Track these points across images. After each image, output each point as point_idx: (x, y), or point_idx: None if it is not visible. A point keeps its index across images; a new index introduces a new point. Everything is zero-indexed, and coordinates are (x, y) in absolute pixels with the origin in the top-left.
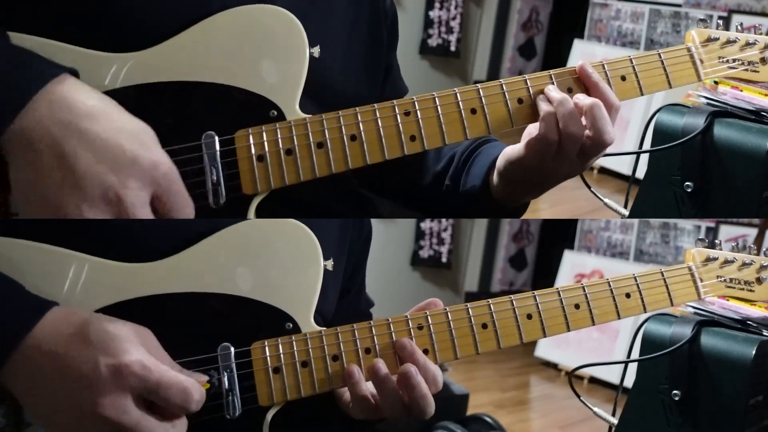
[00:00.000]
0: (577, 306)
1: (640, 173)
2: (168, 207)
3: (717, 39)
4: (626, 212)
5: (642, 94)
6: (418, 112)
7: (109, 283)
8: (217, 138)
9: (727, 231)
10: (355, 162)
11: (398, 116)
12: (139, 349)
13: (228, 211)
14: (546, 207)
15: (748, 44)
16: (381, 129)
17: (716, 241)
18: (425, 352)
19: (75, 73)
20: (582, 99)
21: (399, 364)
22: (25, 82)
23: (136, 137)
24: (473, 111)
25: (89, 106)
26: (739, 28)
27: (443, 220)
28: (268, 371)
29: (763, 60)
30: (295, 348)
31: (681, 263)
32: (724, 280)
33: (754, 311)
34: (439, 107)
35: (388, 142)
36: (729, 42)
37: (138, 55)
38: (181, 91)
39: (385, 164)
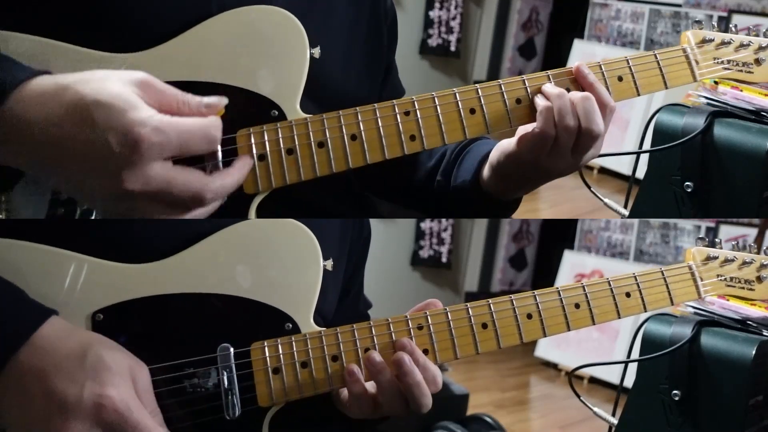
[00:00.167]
0: (577, 305)
1: (640, 173)
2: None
3: (712, 40)
4: (626, 212)
5: (639, 95)
6: (418, 111)
7: (109, 284)
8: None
9: (727, 231)
10: (355, 161)
11: (398, 116)
12: (128, 387)
13: (229, 210)
14: (546, 207)
15: (742, 45)
16: (381, 128)
17: (716, 240)
18: (425, 352)
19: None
20: (574, 94)
21: None
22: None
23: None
24: (472, 111)
25: (70, 77)
26: (733, 29)
27: (443, 220)
28: (267, 371)
29: (757, 61)
30: (294, 348)
31: (681, 263)
32: (725, 279)
33: (754, 311)
34: (438, 107)
35: (388, 141)
36: (724, 43)
37: (138, 55)
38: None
39: (378, 161)
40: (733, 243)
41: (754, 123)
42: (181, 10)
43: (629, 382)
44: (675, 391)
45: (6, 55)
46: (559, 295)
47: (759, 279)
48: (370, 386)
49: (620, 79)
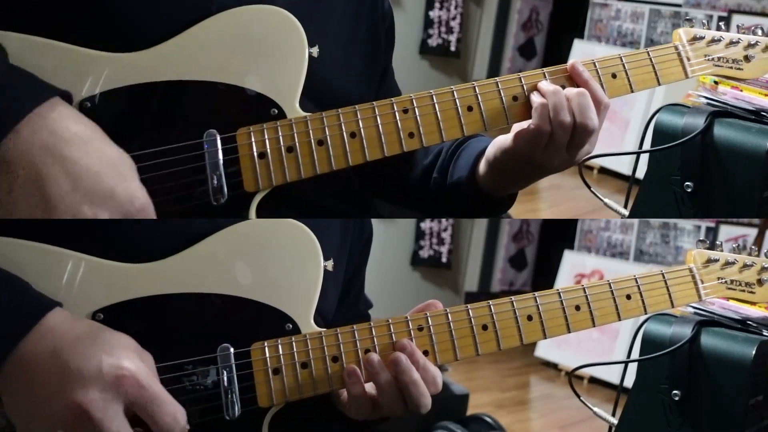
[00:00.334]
0: (577, 307)
1: (640, 173)
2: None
3: (703, 38)
4: (626, 212)
5: (632, 91)
6: (416, 109)
7: (109, 284)
8: (218, 136)
9: (727, 231)
10: (355, 159)
11: (397, 114)
12: (140, 363)
13: (229, 208)
14: (546, 207)
15: (732, 43)
16: (380, 126)
17: (717, 242)
18: (425, 353)
19: (67, 97)
20: (569, 91)
21: None
22: (16, 104)
23: (116, 167)
24: (470, 108)
25: (73, 133)
26: (722, 27)
27: (443, 220)
28: (267, 372)
29: (746, 58)
30: (294, 349)
31: (681, 263)
32: (725, 282)
33: (754, 311)
34: (436, 105)
35: (387, 139)
36: (714, 41)
37: (139, 54)
38: (182, 90)
39: (377, 159)
40: (734, 245)
41: (754, 123)
42: (180, 10)
43: (629, 382)
44: (675, 391)
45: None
46: (560, 296)
47: (760, 282)
48: (370, 387)
49: (614, 76)
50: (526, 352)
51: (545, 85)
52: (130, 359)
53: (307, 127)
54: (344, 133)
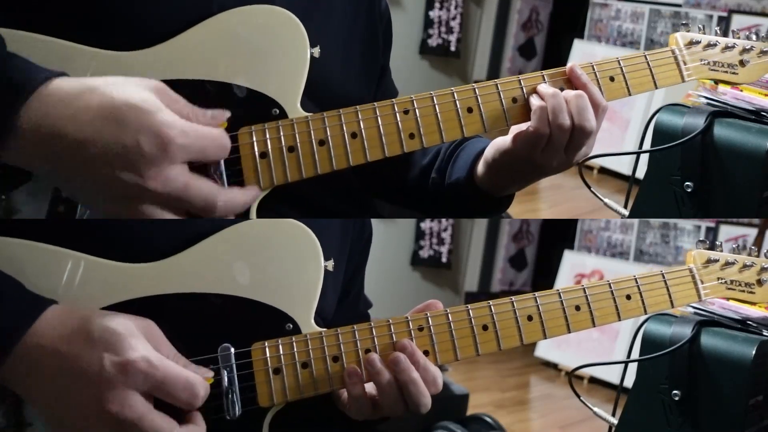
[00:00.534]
0: (577, 307)
1: (640, 173)
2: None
3: (699, 42)
4: (626, 212)
5: (630, 94)
6: (417, 110)
7: (109, 284)
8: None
9: (727, 231)
10: (356, 159)
11: (397, 114)
12: (144, 345)
13: None
14: (546, 207)
15: (727, 47)
16: (381, 127)
17: (717, 242)
18: (425, 353)
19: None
20: (568, 93)
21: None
22: (19, 84)
23: (144, 101)
24: (470, 110)
25: (88, 83)
26: (718, 31)
27: (443, 220)
28: (268, 372)
29: (741, 62)
30: (295, 349)
31: (681, 263)
32: (725, 282)
33: (754, 311)
34: (436, 106)
35: (387, 139)
36: (710, 45)
37: (140, 54)
38: (183, 90)
39: (378, 159)
40: (734, 245)
41: (754, 123)
42: (182, 10)
43: (629, 382)
44: (675, 391)
45: (21, 57)
46: (560, 297)
47: (759, 282)
48: (370, 387)
49: (612, 79)
50: (526, 352)
51: (544, 88)
52: (130, 348)
53: (308, 127)
54: (345, 134)
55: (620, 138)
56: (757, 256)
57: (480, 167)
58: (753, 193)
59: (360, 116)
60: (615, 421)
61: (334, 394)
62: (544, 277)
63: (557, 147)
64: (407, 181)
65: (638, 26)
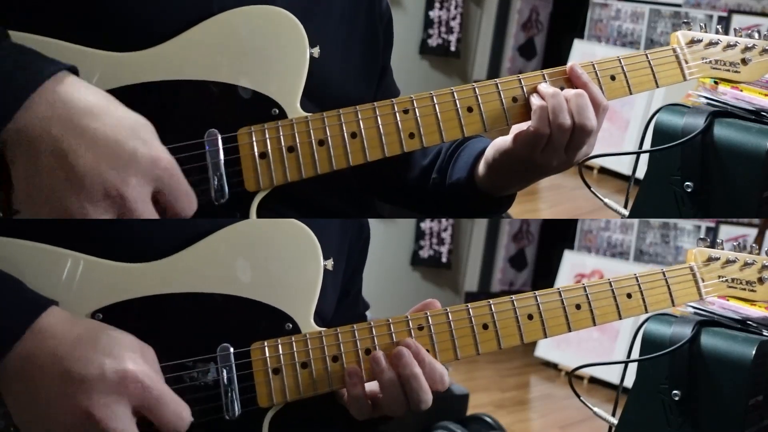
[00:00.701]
0: (578, 306)
1: (640, 173)
2: (170, 201)
3: (700, 40)
4: (626, 212)
5: (631, 93)
6: (417, 110)
7: (109, 283)
8: (219, 135)
9: (727, 231)
10: (355, 159)
11: (397, 114)
12: (144, 362)
13: (230, 208)
14: (546, 207)
15: (729, 46)
16: (381, 127)
17: (718, 240)
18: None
19: (74, 71)
20: (568, 92)
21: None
22: (24, 80)
23: (136, 133)
24: (470, 109)
25: (88, 103)
26: (720, 30)
27: (443, 220)
28: (267, 372)
29: (743, 61)
30: (294, 349)
31: (681, 263)
32: (726, 280)
33: (754, 311)
34: (436, 105)
35: (387, 139)
36: (711, 43)
37: (140, 54)
38: (183, 90)
39: (378, 159)
40: (734, 243)
41: (754, 123)
42: (181, 10)
43: (629, 382)
44: (675, 391)
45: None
46: (560, 295)
47: (761, 280)
48: (370, 386)
49: (613, 78)
50: (526, 352)
51: (545, 87)
52: (132, 360)
53: (308, 127)
54: (345, 134)
55: (620, 138)
56: (758, 254)
57: (480, 167)
58: (753, 193)
59: (359, 116)
60: (615, 421)
61: (337, 393)
62: (544, 277)
63: (558, 147)
64: (408, 182)
65: (638, 26)
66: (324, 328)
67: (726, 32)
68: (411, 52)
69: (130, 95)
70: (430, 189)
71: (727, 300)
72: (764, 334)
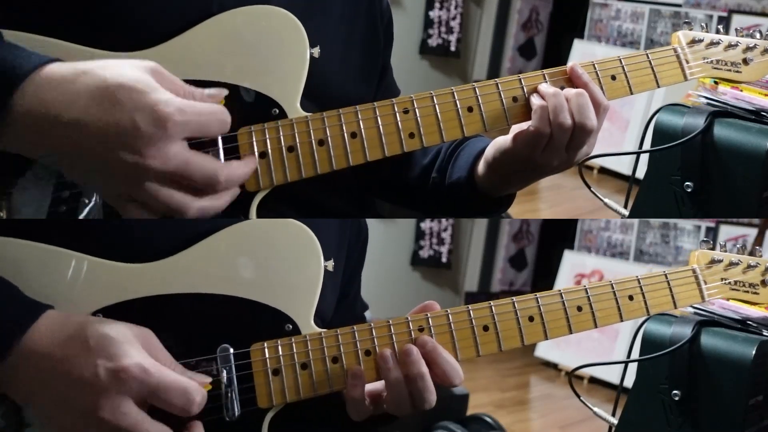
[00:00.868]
0: (579, 308)
1: (640, 173)
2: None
3: (702, 40)
4: (626, 212)
5: (631, 93)
6: (417, 110)
7: (109, 284)
8: (219, 135)
9: (727, 231)
10: (355, 159)
11: (397, 114)
12: (139, 351)
13: (230, 206)
14: (546, 207)
15: (730, 46)
16: (381, 127)
17: (721, 243)
18: None
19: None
20: (568, 91)
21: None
22: (19, 62)
23: (139, 81)
24: (470, 109)
25: (82, 66)
26: (721, 30)
27: (443, 220)
28: (267, 373)
29: (745, 61)
30: (294, 350)
31: (681, 263)
32: (729, 283)
33: (755, 311)
34: (436, 105)
35: (387, 139)
36: (713, 43)
37: (139, 54)
38: None
39: (378, 159)
40: (736, 245)
41: (754, 123)
42: (181, 10)
43: (629, 382)
44: (675, 391)
45: (16, 44)
46: (561, 297)
47: (764, 283)
48: (370, 387)
49: (613, 78)
50: (526, 352)
51: (545, 87)
52: (126, 355)
53: (308, 127)
54: (345, 133)
55: (620, 138)
56: (761, 256)
57: (480, 167)
58: (753, 193)
59: (359, 116)
60: (615, 421)
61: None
62: (544, 277)
63: (558, 146)
64: (408, 181)
65: (638, 26)
66: (324, 329)
67: (726, 32)
68: (411, 52)
69: None
70: (430, 188)
71: (728, 300)
72: (764, 334)
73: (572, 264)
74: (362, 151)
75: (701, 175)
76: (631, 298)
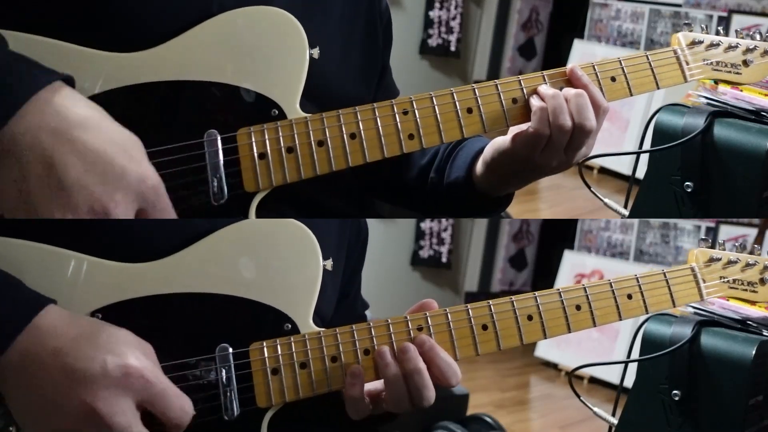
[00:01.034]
0: (578, 307)
1: (640, 173)
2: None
3: (701, 42)
4: (626, 212)
5: (631, 95)
6: (416, 111)
7: (108, 283)
8: (219, 136)
9: (727, 231)
10: (354, 160)
11: (397, 115)
12: (146, 358)
13: (229, 208)
14: (546, 207)
15: (730, 47)
16: (380, 128)
17: (719, 241)
18: None
19: (70, 81)
20: (568, 91)
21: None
22: (18, 88)
23: (126, 149)
24: (469, 110)
25: (81, 116)
26: (721, 31)
27: (443, 220)
28: (266, 372)
29: (744, 62)
30: (293, 349)
31: (681, 263)
32: (727, 281)
33: (754, 311)
34: (436, 107)
35: (387, 140)
36: (713, 45)
37: (139, 55)
38: (182, 91)
39: (377, 160)
40: (735, 244)
41: (754, 123)
42: (181, 11)
43: (629, 382)
44: (675, 391)
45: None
46: (560, 296)
47: (762, 281)
48: (369, 386)
49: (613, 79)
50: (526, 352)
51: (545, 88)
52: (134, 356)
53: (307, 127)
54: (344, 134)
55: (620, 138)
56: (759, 254)
57: (479, 167)
58: (753, 193)
59: (359, 117)
60: (615, 421)
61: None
62: (544, 277)
63: (557, 147)
64: (406, 181)
65: (638, 26)
66: (323, 329)
67: (726, 32)
68: (411, 52)
69: (130, 95)
70: (428, 189)
71: (728, 300)
72: (764, 334)
73: (572, 264)
74: (361, 152)
75: (701, 175)
76: (629, 296)
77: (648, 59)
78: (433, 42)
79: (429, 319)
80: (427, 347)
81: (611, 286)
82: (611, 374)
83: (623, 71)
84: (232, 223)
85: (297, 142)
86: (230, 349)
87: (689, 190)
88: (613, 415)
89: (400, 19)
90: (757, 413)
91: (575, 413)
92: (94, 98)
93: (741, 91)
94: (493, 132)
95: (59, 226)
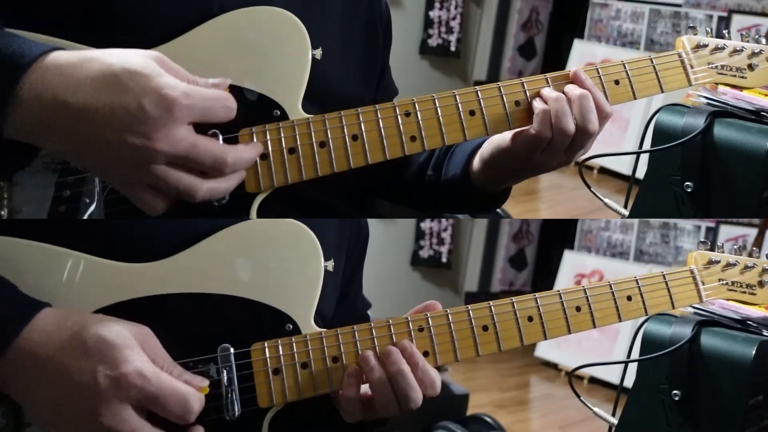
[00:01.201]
0: (578, 308)
1: (640, 173)
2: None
3: (706, 45)
4: (626, 212)
5: (635, 98)
6: (419, 113)
7: (109, 283)
8: (220, 136)
9: (727, 231)
10: (356, 161)
11: (399, 117)
12: (138, 355)
13: (230, 208)
14: (546, 207)
15: (735, 51)
16: (382, 129)
17: (718, 243)
18: (425, 354)
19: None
20: (572, 90)
21: None
22: (24, 51)
23: (139, 72)
24: (472, 113)
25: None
26: (726, 34)
27: (443, 220)
28: (267, 372)
29: (750, 66)
30: (295, 349)
31: (681, 263)
32: (726, 283)
33: (754, 311)
34: (438, 108)
35: (389, 141)
36: (718, 48)
37: None
38: None
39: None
40: (735, 245)
41: (754, 123)
42: (182, 11)
43: (629, 382)
44: (675, 391)
45: (16, 33)
46: (560, 297)
47: (761, 284)
48: (364, 389)
49: (617, 82)
50: (526, 352)
51: (548, 91)
52: (125, 360)
53: (309, 128)
54: (346, 136)
55: (620, 138)
56: (758, 257)
57: (476, 163)
58: (753, 193)
59: (361, 118)
60: (615, 421)
61: (334, 395)
62: (544, 277)
63: (558, 149)
64: (404, 179)
65: (638, 26)
66: (324, 329)
67: (728, 33)
68: (411, 52)
69: None
70: (426, 186)
71: (727, 300)
72: (764, 334)
73: (572, 264)
74: (363, 153)
75: (701, 175)
76: (629, 298)
77: (652, 62)
78: (433, 42)
79: (430, 320)
80: (407, 354)
81: (611, 288)
82: (611, 374)
83: (627, 75)
84: (234, 223)
85: (299, 142)
86: (232, 350)
87: (689, 190)
88: (613, 415)
89: (400, 19)
90: (757, 413)
91: (575, 413)
92: None
93: (741, 91)
94: (498, 134)
95: (59, 226)
